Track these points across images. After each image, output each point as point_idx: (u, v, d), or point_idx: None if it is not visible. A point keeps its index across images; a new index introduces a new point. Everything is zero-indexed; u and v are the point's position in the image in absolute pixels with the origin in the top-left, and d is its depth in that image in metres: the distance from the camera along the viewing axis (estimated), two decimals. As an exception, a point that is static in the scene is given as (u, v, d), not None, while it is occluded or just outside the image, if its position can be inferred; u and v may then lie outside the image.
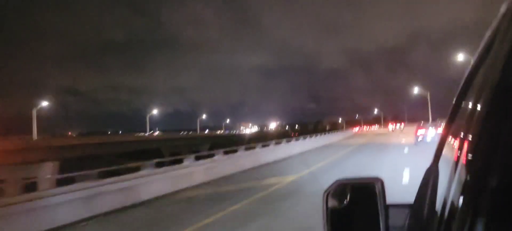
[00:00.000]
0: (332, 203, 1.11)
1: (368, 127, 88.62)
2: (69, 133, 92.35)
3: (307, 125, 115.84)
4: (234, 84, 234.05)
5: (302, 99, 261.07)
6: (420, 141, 23.99)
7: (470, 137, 0.75)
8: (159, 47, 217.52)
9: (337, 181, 1.14)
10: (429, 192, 1.00)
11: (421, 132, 25.04)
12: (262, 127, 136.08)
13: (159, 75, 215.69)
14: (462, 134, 1.04)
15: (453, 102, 1.21)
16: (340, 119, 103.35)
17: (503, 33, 0.66)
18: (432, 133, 23.97)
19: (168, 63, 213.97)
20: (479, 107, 0.73)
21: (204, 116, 78.05)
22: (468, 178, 0.58)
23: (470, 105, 1.03)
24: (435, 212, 0.96)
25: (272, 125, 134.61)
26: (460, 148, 0.95)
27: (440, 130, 27.63)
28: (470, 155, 0.65)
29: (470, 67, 1.11)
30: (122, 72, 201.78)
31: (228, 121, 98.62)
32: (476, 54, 1.04)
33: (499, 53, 0.64)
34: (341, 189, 1.13)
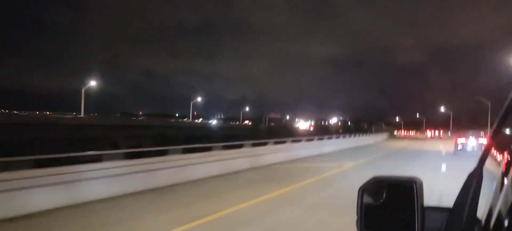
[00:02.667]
0: (367, 199, 1.09)
1: (406, 131, 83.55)
2: (140, 113, 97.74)
3: (360, 122, 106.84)
4: (302, 75, 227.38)
5: (372, 95, 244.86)
6: (460, 149, 23.76)
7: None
8: (229, 33, 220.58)
9: (374, 177, 1.13)
10: (470, 197, 0.98)
11: (461, 140, 24.73)
12: (320, 121, 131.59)
13: (228, 62, 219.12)
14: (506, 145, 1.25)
15: (503, 109, 1.16)
16: (398, 118, 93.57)
17: None
18: (472, 142, 23.84)
19: (237, 49, 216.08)
20: None
21: (199, 99, 65.62)
22: None
23: None
24: (476, 219, 0.94)
25: (333, 120, 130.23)
26: (505, 159, 1.15)
27: (481, 140, 23.49)
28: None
29: None
30: (193, 57, 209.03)
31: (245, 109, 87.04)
32: None
33: None
34: (377, 186, 1.11)
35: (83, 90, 40.81)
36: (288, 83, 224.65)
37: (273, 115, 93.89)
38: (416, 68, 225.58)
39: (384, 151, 27.03)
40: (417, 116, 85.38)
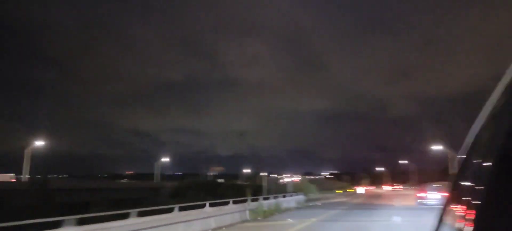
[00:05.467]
0: None
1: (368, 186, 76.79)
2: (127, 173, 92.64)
3: (347, 174, 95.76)
4: (293, 129, 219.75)
5: (363, 147, 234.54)
6: (421, 203, 23.52)
7: (474, 204, 0.76)
8: (217, 89, 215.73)
9: None
10: None
11: (421, 195, 24.75)
12: (305, 175, 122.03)
13: (219, 118, 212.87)
14: (466, 200, 1.00)
15: (457, 167, 1.20)
16: (382, 169, 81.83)
17: (508, 100, 0.68)
18: (434, 196, 23.05)
19: (227, 105, 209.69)
20: (484, 172, 0.75)
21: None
22: None
23: (473, 171, 0.99)
24: None
25: (325, 174, 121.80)
26: (465, 214, 0.92)
27: (443, 193, 21.73)
28: (475, 223, 0.68)
29: (474, 132, 1.08)
30: (182, 114, 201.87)
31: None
32: (479, 119, 1.02)
33: (503, 118, 0.67)
34: None
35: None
36: (279, 138, 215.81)
37: (214, 168, 76.58)
38: (408, 119, 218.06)
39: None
40: (403, 162, 73.71)
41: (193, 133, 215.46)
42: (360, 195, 53.83)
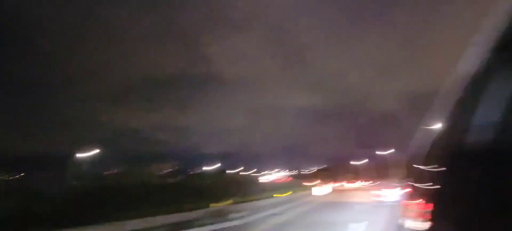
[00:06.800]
0: None
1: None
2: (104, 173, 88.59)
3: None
4: (284, 126, 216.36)
5: (352, 143, 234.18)
6: (379, 201, 21.86)
7: (432, 198, 0.78)
8: (205, 85, 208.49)
9: None
10: None
11: (379, 192, 23.17)
12: (294, 170, 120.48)
13: (204, 115, 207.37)
14: (424, 194, 0.95)
15: (416, 163, 1.29)
16: (363, 162, 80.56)
17: (461, 101, 0.73)
18: (394, 193, 20.49)
19: (212, 102, 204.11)
20: (440, 169, 0.79)
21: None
22: None
23: (432, 167, 0.91)
24: None
25: (312, 170, 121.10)
26: (422, 207, 0.85)
27: (398, 189, 19.87)
28: (433, 215, 0.71)
29: (434, 131, 1.11)
30: (168, 111, 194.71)
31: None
32: (440, 120, 1.04)
33: (458, 119, 0.72)
34: None
35: None
36: (269, 135, 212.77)
37: (164, 165, 62.73)
38: (394, 114, 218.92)
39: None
40: (383, 153, 71.36)
41: (180, 130, 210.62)
42: (314, 197, 35.06)
